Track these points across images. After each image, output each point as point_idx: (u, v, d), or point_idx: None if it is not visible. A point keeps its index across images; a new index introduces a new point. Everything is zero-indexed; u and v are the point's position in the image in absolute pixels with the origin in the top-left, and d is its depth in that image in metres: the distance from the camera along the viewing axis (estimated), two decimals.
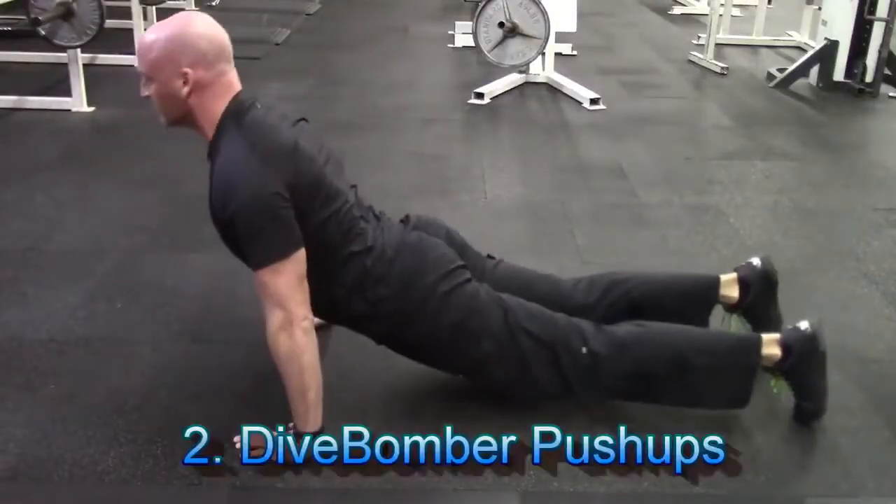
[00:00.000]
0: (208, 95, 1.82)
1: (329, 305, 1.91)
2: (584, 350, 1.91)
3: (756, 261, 2.16)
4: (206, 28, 1.81)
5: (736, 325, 2.16)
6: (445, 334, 1.91)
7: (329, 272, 1.85)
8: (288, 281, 1.73)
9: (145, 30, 5.34)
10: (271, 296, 1.73)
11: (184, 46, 1.76)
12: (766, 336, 1.97)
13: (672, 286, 2.16)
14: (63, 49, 4.27)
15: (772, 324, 2.10)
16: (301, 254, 1.75)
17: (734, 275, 2.15)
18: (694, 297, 2.14)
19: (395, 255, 1.92)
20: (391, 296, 1.89)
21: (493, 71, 4.99)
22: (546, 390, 1.94)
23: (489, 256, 2.17)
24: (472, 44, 5.00)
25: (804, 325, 1.95)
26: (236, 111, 1.83)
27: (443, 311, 1.90)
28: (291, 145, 1.83)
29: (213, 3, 7.53)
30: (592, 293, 2.11)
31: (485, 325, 1.91)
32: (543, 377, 1.92)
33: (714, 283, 2.14)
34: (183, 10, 7.40)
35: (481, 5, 4.75)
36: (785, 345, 1.93)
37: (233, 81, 1.87)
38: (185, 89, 1.80)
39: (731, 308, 2.15)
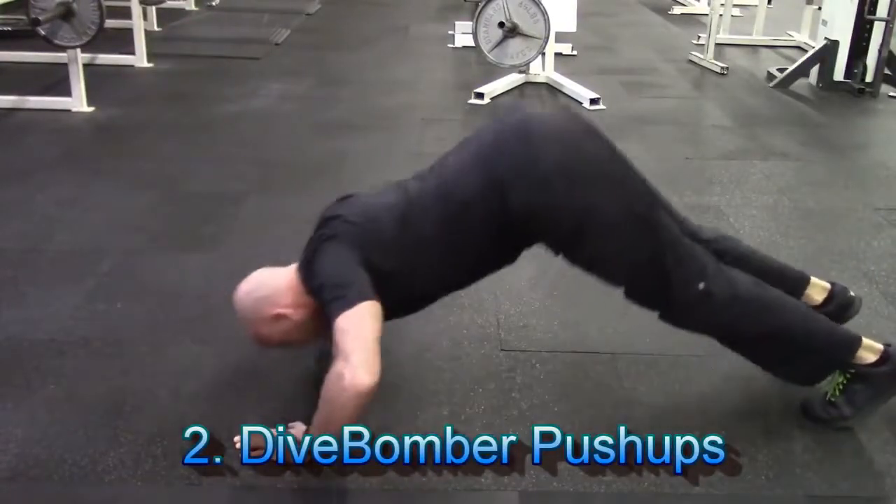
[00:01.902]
0: (295, 296, 1.90)
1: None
2: (700, 286, 1.89)
3: (853, 292, 2.20)
4: (241, 291, 1.95)
5: None
6: (588, 210, 1.86)
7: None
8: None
9: (145, 30, 5.40)
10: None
11: (254, 314, 1.92)
12: (867, 340, 1.97)
13: (767, 270, 2.16)
14: (63, 49, 4.27)
15: None
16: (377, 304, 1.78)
17: (827, 284, 2.18)
18: (784, 281, 2.15)
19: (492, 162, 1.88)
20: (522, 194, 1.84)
21: (493, 71, 4.99)
22: (643, 293, 1.95)
23: None
24: (472, 44, 5.00)
25: None
26: (303, 263, 1.92)
27: (592, 185, 1.87)
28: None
29: (214, 3, 7.53)
30: (704, 233, 2.11)
31: (629, 209, 1.89)
32: (649, 287, 1.93)
33: (802, 282, 2.17)
34: (183, 10, 7.42)
35: (481, 5, 4.75)
36: (886, 355, 1.95)
37: (282, 272, 1.96)
38: (292, 314, 1.89)
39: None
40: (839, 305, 2.17)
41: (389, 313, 1.82)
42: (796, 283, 2.16)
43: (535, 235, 1.93)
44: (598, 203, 1.86)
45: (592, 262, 1.94)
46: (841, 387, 1.96)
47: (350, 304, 1.73)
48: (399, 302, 1.89)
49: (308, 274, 1.87)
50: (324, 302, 1.79)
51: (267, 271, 1.98)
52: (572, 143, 1.90)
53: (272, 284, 1.93)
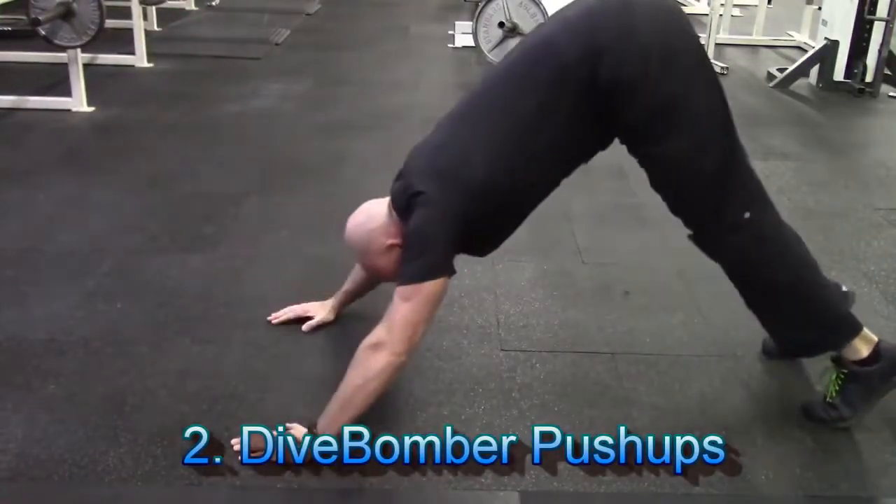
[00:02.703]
0: (401, 226, 1.90)
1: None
2: (747, 214, 1.88)
3: (845, 287, 2.22)
4: (351, 224, 2.00)
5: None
6: (682, 92, 1.83)
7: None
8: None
9: (145, 30, 5.40)
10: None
11: (367, 246, 1.95)
12: (865, 331, 1.97)
13: None
14: (63, 49, 4.27)
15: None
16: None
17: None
18: None
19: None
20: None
21: None
22: (694, 206, 1.92)
23: None
24: (472, 44, 5.00)
25: None
26: (397, 205, 1.94)
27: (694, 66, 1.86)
28: None
29: (214, 3, 7.53)
30: None
31: (719, 99, 1.89)
32: (700, 196, 1.90)
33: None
34: (183, 10, 7.41)
35: (481, 5, 4.75)
36: (877, 352, 1.94)
37: (386, 204, 1.97)
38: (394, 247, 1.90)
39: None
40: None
41: (495, 235, 1.91)
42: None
43: (617, 114, 1.83)
44: (691, 89, 1.83)
45: (663, 154, 1.87)
46: (837, 388, 1.96)
47: (420, 276, 1.76)
48: (488, 233, 1.92)
49: (404, 216, 1.87)
50: (402, 256, 1.82)
51: (375, 203, 1.99)
52: (676, 24, 1.87)
53: (381, 216, 1.94)
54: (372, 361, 1.75)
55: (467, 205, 1.80)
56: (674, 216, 1.97)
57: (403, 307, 1.76)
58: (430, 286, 1.77)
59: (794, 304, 1.97)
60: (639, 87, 1.79)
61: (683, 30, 1.88)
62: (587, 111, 1.83)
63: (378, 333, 1.76)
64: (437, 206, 1.80)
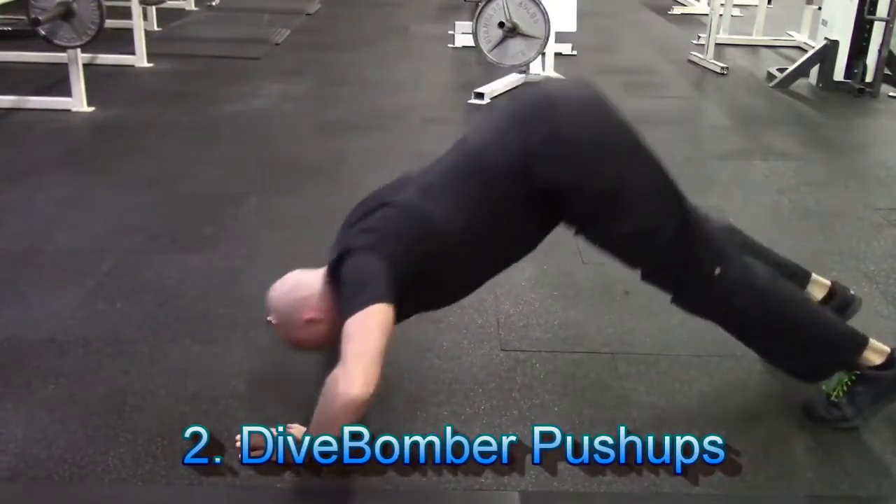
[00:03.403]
0: (327, 301, 1.86)
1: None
2: (717, 270, 1.89)
3: (853, 290, 2.21)
4: (275, 291, 1.92)
5: None
6: (621, 178, 1.84)
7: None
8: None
9: (145, 30, 5.40)
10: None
11: (287, 317, 1.88)
12: (874, 342, 1.97)
13: (774, 257, 2.18)
14: (63, 49, 4.27)
15: None
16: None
17: (828, 282, 2.18)
18: (786, 276, 2.14)
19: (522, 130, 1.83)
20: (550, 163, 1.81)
21: (493, 71, 4.99)
22: (664, 275, 1.93)
23: None
24: (472, 44, 5.00)
25: None
26: (331, 270, 1.85)
27: (624, 156, 1.86)
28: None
29: (214, 3, 7.53)
30: (712, 222, 2.08)
31: (660, 178, 1.88)
32: (667, 266, 1.91)
33: (804, 277, 2.18)
34: (183, 10, 7.42)
35: (481, 5, 4.75)
36: (892, 359, 1.94)
37: (315, 276, 1.91)
38: (326, 320, 1.85)
39: None
40: (839, 304, 2.17)
41: (420, 308, 1.84)
42: (798, 279, 2.17)
43: (560, 210, 1.88)
44: (628, 173, 1.84)
45: (616, 239, 1.90)
46: (845, 388, 1.96)
47: (361, 305, 1.69)
48: (428, 298, 1.89)
49: (335, 278, 1.84)
50: (340, 304, 1.77)
51: (301, 273, 1.95)
52: (601, 113, 1.88)
53: (307, 287, 1.89)
54: (335, 400, 1.67)
55: (405, 251, 1.78)
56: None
57: (352, 344, 1.68)
58: (375, 316, 1.69)
59: (790, 338, 1.96)
60: (575, 186, 1.82)
61: (609, 116, 1.89)
62: (531, 213, 1.88)
63: (335, 373, 1.68)
64: (369, 245, 1.78)
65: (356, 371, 1.65)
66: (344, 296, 1.76)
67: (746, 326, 1.98)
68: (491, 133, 1.91)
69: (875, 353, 1.95)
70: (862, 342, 1.96)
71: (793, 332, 1.96)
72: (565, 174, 1.80)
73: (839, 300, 2.17)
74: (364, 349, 1.67)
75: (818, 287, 2.18)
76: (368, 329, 1.69)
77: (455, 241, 1.81)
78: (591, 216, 1.88)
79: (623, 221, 1.86)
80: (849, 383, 1.96)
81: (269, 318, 1.92)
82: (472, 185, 1.84)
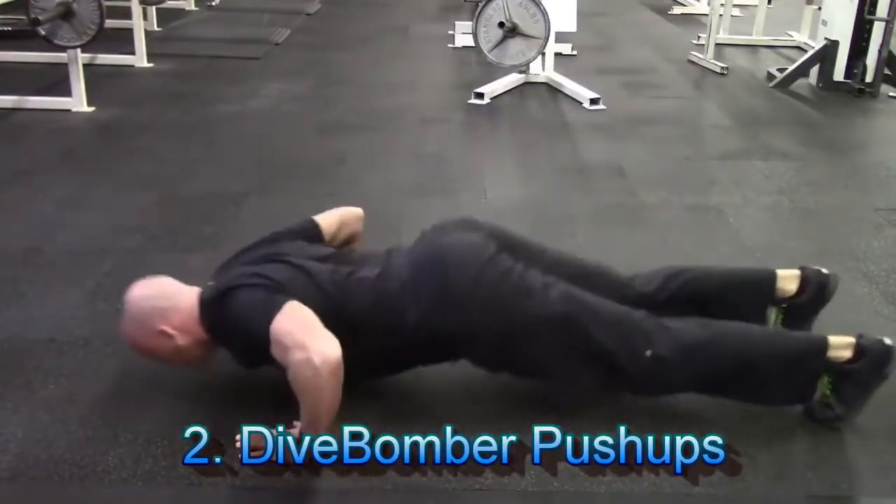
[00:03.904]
0: (187, 320, 1.90)
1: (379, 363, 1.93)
2: (648, 353, 1.90)
3: (826, 270, 2.18)
4: (139, 290, 1.96)
5: (775, 317, 2.17)
6: (502, 329, 1.89)
7: (363, 339, 1.84)
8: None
9: (145, 30, 5.40)
10: (289, 341, 1.74)
11: (141, 319, 1.91)
12: (834, 339, 1.96)
13: (730, 281, 2.18)
14: (63, 49, 4.27)
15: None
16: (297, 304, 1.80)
17: (797, 271, 2.16)
18: (752, 293, 2.16)
19: (409, 277, 1.91)
20: (425, 316, 1.88)
21: (493, 71, 4.99)
22: (606, 386, 1.96)
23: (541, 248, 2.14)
24: (472, 44, 5.00)
25: (888, 340, 1.96)
26: (205, 305, 1.91)
27: (490, 309, 1.89)
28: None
29: (214, 3, 7.53)
30: (651, 284, 2.11)
31: (541, 316, 1.89)
32: (603, 376, 1.93)
33: (771, 278, 2.16)
34: (183, 10, 7.42)
35: (481, 5, 4.75)
36: (861, 348, 1.93)
37: (184, 292, 1.97)
38: (178, 338, 1.89)
39: (787, 299, 2.15)
40: (816, 286, 2.15)
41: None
42: (764, 282, 2.16)
43: (465, 355, 1.98)
44: (519, 315, 1.89)
45: (530, 372, 1.97)
46: (830, 388, 1.96)
47: (277, 308, 1.76)
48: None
49: (214, 311, 1.87)
50: (248, 332, 1.80)
51: (170, 283, 1.99)
52: (485, 265, 1.91)
53: (172, 299, 1.93)
54: (314, 376, 1.70)
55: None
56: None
57: (291, 333, 1.73)
58: (294, 308, 1.77)
59: (757, 373, 1.94)
60: (471, 333, 1.89)
61: (494, 263, 1.92)
62: (436, 352, 1.97)
63: (298, 358, 1.70)
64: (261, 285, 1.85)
65: (313, 343, 1.70)
66: (248, 319, 1.80)
67: (709, 383, 1.96)
68: (402, 286, 1.92)
69: (841, 348, 1.94)
70: (822, 345, 1.95)
71: (752, 368, 1.94)
72: (460, 324, 1.88)
73: (814, 283, 2.14)
74: (305, 326, 1.74)
75: (789, 280, 2.15)
76: (296, 316, 1.76)
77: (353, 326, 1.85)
78: (496, 359, 1.96)
79: (523, 355, 1.92)
80: (831, 384, 1.96)
81: (122, 311, 1.93)
82: (384, 336, 1.92)
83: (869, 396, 1.95)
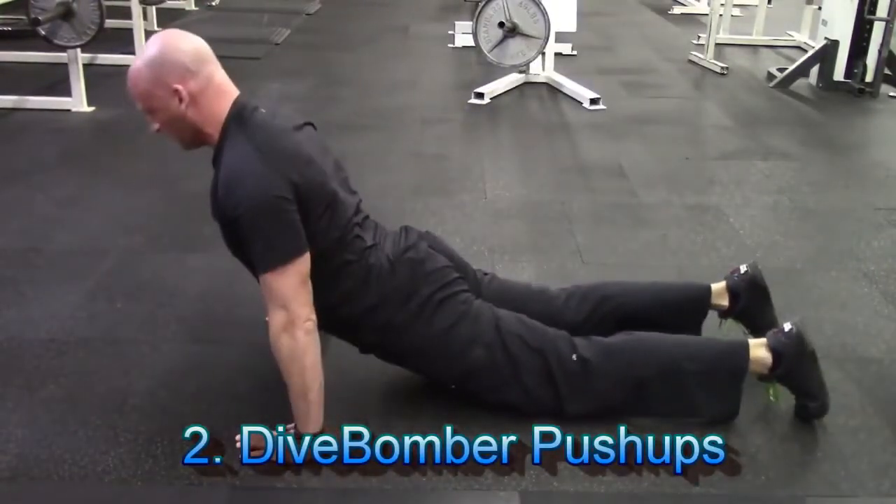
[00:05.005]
0: (205, 102, 1.80)
1: (319, 311, 1.86)
2: (573, 357, 1.92)
3: (743, 268, 2.18)
4: (179, 40, 1.80)
5: (730, 329, 2.16)
6: (437, 341, 1.92)
7: (323, 279, 1.83)
8: (292, 283, 1.73)
9: (145, 30, 5.39)
10: (275, 297, 1.73)
11: (164, 66, 1.76)
12: (753, 340, 1.97)
13: (663, 298, 2.18)
14: (63, 49, 4.27)
15: (767, 327, 2.09)
16: (305, 257, 1.75)
17: (723, 283, 2.17)
18: (685, 309, 2.16)
19: (392, 266, 1.93)
20: (383, 306, 1.90)
21: (493, 71, 4.99)
22: (536, 399, 1.93)
23: (483, 273, 2.17)
24: (472, 44, 5.00)
25: (787, 326, 1.96)
26: (239, 115, 1.82)
27: (436, 317, 1.92)
28: (296, 150, 1.82)
29: (214, 3, 7.53)
30: (583, 309, 2.11)
31: (477, 332, 1.93)
32: (533, 384, 1.92)
33: (705, 293, 2.16)
34: (183, 10, 7.42)
35: (481, 5, 4.75)
36: (774, 350, 1.94)
37: (224, 82, 1.84)
38: (183, 105, 1.78)
39: (724, 314, 2.18)
40: (748, 286, 2.15)
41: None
42: (700, 297, 2.17)
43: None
44: (442, 328, 1.92)
45: (487, 397, 1.97)
46: (786, 392, 1.97)
47: (282, 259, 1.72)
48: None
49: (234, 153, 1.81)
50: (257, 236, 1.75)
51: (214, 59, 1.83)
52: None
53: (207, 71, 1.79)
54: (289, 344, 1.72)
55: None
56: None
57: (281, 285, 1.72)
58: (295, 264, 1.74)
59: (681, 376, 1.93)
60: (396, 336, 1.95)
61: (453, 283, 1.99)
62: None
63: (274, 320, 1.73)
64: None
65: (298, 303, 1.72)
66: (260, 231, 1.73)
67: (639, 390, 1.93)
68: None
69: (759, 348, 1.94)
70: (744, 345, 1.96)
71: (675, 370, 1.93)
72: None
73: (743, 285, 2.15)
74: (295, 287, 1.73)
75: (719, 295, 2.16)
76: (292, 274, 1.73)
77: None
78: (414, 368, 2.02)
79: (482, 391, 1.96)
80: (780, 390, 1.97)
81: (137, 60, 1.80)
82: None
83: (818, 377, 1.96)
